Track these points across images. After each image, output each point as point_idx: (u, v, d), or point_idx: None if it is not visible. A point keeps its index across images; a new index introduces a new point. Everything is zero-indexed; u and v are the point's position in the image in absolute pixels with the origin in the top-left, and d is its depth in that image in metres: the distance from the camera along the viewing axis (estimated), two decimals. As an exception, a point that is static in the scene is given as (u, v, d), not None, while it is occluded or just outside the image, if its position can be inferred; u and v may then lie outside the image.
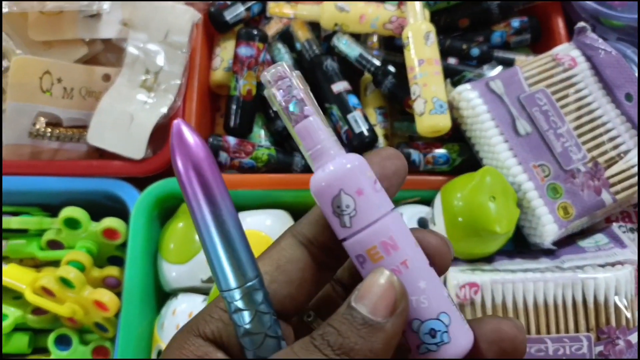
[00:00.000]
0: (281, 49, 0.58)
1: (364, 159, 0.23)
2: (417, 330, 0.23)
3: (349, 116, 0.53)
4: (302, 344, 0.20)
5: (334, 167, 0.22)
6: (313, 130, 0.23)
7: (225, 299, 0.21)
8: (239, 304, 0.21)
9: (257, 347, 0.21)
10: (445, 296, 0.23)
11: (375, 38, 0.60)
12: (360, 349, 0.20)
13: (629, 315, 0.46)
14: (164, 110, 0.54)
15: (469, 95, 0.52)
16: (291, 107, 0.23)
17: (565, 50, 0.55)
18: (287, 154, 0.56)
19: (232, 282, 0.21)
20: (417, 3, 0.54)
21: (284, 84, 0.23)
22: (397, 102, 0.57)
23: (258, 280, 0.21)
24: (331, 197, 0.22)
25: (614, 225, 0.55)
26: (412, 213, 0.54)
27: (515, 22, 0.60)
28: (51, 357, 0.51)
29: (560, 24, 0.60)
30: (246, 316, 0.21)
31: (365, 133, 0.53)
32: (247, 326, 0.21)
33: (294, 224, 0.25)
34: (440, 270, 0.24)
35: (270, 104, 0.23)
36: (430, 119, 0.51)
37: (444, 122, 0.52)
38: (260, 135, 0.60)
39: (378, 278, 0.21)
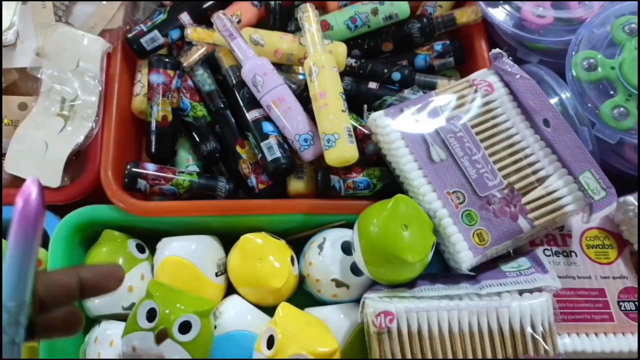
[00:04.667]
0: (203, 74, 0.58)
1: (265, 59, 0.54)
2: (297, 139, 0.52)
3: (263, 144, 0.53)
4: None
5: (252, 63, 0.53)
6: (239, 46, 0.54)
7: None
8: None
9: None
10: (308, 123, 0.53)
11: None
12: None
13: (545, 343, 0.46)
14: (81, 138, 0.54)
15: (383, 122, 0.52)
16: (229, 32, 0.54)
17: (483, 76, 0.54)
18: (210, 179, 0.56)
19: None
20: (316, 33, 0.53)
21: (227, 23, 0.54)
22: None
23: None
24: (251, 78, 0.53)
25: (539, 249, 0.55)
26: (336, 237, 0.54)
27: (438, 46, 0.60)
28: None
29: (483, 46, 0.59)
30: None
31: (281, 160, 0.53)
32: None
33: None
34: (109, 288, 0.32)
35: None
36: (327, 154, 0.51)
37: (336, 155, 0.51)
38: (188, 159, 0.59)
39: None
